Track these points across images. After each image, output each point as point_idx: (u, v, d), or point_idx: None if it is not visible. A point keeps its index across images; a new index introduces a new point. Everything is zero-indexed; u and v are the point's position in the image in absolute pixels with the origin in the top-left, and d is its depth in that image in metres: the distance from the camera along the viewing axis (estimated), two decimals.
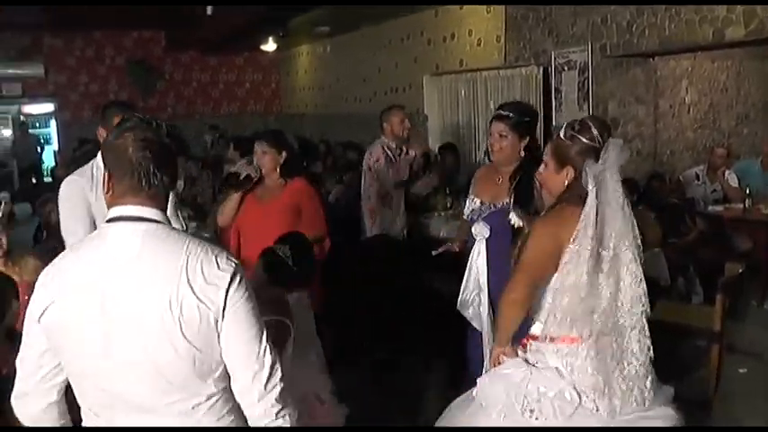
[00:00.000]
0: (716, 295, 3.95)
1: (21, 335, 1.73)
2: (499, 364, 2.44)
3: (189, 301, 1.57)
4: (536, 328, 2.41)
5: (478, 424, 2.40)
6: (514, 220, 3.11)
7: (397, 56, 9.18)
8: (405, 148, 5.21)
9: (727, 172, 6.41)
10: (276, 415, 1.68)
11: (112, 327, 1.59)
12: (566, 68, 6.18)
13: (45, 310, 1.62)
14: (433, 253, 3.71)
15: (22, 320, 1.73)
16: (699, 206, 6.22)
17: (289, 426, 1.70)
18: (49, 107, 13.29)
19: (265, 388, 1.66)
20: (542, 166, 2.49)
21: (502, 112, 3.34)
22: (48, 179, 12.53)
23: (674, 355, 4.69)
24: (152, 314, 1.57)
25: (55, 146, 13.86)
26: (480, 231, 3.33)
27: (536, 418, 2.27)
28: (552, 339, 2.33)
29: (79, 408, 1.73)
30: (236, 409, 1.71)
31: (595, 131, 2.33)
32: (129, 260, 1.59)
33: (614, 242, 2.27)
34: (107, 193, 1.67)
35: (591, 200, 2.26)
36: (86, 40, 12.34)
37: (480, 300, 3.35)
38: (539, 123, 4.95)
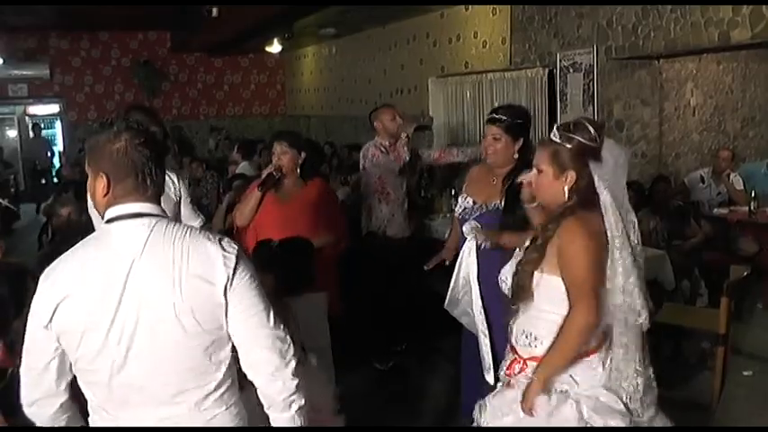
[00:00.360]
0: (721, 298, 3.93)
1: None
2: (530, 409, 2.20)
3: (196, 284, 1.65)
4: (540, 350, 2.27)
5: None
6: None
7: (402, 58, 9.18)
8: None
9: (732, 174, 6.39)
10: (296, 388, 1.75)
11: (127, 318, 1.64)
12: (571, 70, 6.18)
13: (56, 307, 1.63)
14: (426, 268, 3.70)
15: None
16: (704, 209, 6.20)
17: (301, 421, 1.76)
18: (54, 108, 13.32)
19: (283, 359, 1.73)
20: (533, 173, 2.36)
21: (495, 115, 3.37)
22: (54, 180, 12.56)
23: (679, 358, 4.70)
24: (164, 302, 1.63)
25: (60, 146, 13.90)
26: (471, 230, 3.33)
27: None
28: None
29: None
30: (241, 401, 1.79)
31: (593, 130, 2.25)
32: (137, 253, 1.65)
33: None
34: (104, 195, 1.69)
35: (608, 203, 2.20)
36: (92, 42, 12.39)
37: (470, 299, 3.31)
38: (544, 125, 4.92)
